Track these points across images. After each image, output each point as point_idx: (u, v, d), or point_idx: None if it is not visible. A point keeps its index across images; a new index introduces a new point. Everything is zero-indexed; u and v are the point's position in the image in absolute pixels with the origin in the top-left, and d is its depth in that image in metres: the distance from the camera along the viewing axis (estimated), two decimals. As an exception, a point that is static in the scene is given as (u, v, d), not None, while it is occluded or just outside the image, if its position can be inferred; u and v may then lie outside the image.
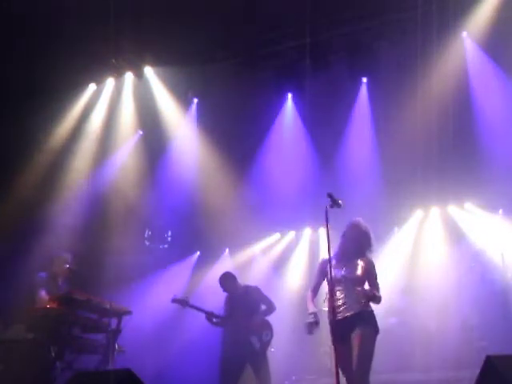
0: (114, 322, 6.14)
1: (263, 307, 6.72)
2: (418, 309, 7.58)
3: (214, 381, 6.66)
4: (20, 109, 7.26)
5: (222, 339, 6.81)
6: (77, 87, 8.22)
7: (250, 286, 6.91)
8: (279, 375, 7.34)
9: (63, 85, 7.65)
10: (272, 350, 6.77)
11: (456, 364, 6.62)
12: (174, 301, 6.66)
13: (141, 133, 8.93)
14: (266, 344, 6.56)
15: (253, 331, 6.51)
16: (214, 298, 7.11)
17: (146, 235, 6.13)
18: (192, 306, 6.56)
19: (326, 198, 4.64)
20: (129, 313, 6.19)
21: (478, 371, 4.35)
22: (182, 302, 6.56)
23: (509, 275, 6.75)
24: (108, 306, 5.84)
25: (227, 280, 6.70)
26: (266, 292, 6.86)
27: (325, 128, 8.27)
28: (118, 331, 6.08)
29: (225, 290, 6.71)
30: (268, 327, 6.65)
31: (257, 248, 9.76)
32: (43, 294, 6.02)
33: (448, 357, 6.82)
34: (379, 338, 4.63)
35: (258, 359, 6.46)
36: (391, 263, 8.64)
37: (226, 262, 9.41)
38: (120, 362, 5.64)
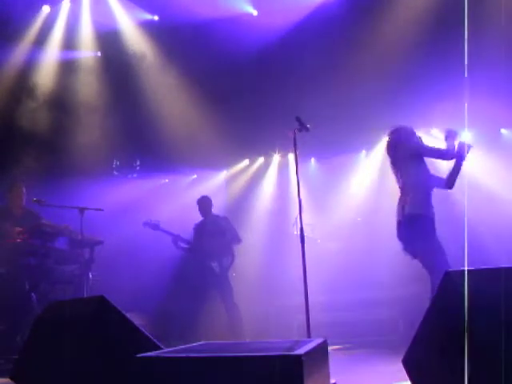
0: (86, 252, 6.18)
1: (228, 237, 6.94)
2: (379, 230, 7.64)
3: (186, 301, 6.88)
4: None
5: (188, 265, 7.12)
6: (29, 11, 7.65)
7: (220, 216, 7.18)
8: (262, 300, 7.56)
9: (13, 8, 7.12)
10: (233, 274, 7.01)
11: (403, 280, 6.77)
12: (146, 224, 6.84)
13: (99, 54, 8.49)
14: (225, 269, 6.81)
15: (213, 256, 6.77)
16: (182, 224, 7.24)
17: (113, 165, 6.03)
18: (162, 230, 6.78)
19: (294, 122, 4.63)
20: (100, 242, 6.21)
21: (426, 287, 4.50)
22: (153, 226, 6.69)
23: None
24: (79, 237, 5.85)
25: (205, 203, 7.03)
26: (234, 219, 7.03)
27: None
28: (90, 261, 6.13)
29: (200, 212, 7.00)
30: (229, 252, 6.89)
31: (225, 174, 9.77)
32: (8, 226, 5.94)
33: (395, 274, 6.86)
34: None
35: (219, 283, 6.75)
36: (358, 186, 8.78)
37: (195, 188, 9.40)
38: (95, 291, 5.70)
